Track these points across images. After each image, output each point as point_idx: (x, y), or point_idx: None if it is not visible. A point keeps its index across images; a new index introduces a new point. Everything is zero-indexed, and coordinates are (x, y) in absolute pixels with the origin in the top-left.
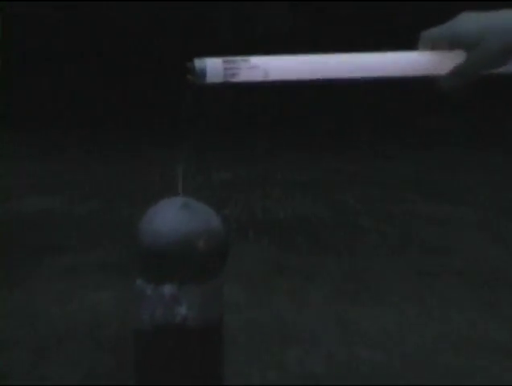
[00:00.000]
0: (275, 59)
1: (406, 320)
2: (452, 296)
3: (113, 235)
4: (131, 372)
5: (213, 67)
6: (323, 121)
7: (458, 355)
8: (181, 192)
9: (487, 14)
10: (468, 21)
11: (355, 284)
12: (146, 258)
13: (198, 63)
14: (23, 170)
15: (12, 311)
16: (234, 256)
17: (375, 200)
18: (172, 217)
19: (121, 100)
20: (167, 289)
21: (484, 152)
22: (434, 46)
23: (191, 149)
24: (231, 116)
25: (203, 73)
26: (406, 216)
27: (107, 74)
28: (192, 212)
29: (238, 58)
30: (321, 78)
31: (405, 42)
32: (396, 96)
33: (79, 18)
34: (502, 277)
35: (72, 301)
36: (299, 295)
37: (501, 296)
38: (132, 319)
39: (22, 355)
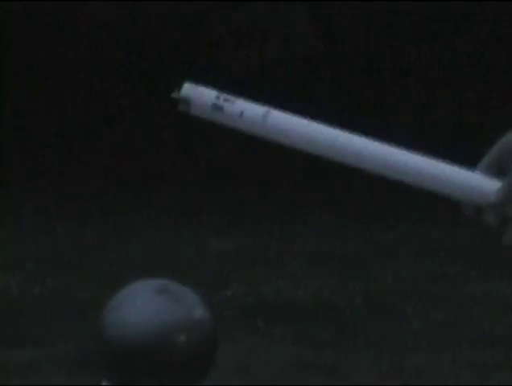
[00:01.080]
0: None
1: None
2: None
3: (81, 323)
4: None
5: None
6: (355, 176)
7: None
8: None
9: None
10: None
11: None
12: (112, 355)
13: (185, 89)
14: None
15: None
16: (239, 352)
17: (419, 278)
18: (145, 305)
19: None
20: None
21: None
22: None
23: (179, 210)
24: (231, 165)
25: (187, 102)
26: (457, 298)
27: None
28: (170, 299)
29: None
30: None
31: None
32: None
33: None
34: None
35: None
36: None
37: None
38: None
39: None
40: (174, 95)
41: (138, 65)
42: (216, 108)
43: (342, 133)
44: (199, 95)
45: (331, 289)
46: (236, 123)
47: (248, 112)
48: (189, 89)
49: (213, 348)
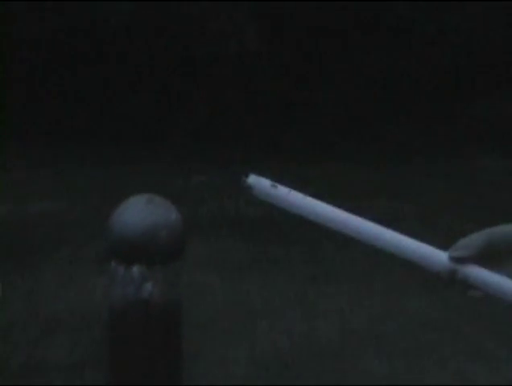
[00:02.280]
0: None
1: (357, 299)
2: (398, 279)
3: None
4: (105, 345)
5: (262, 188)
6: (293, 132)
7: (405, 333)
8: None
9: None
10: None
11: (314, 269)
12: (118, 244)
13: (252, 179)
14: (26, 178)
15: (19, 297)
16: (211, 250)
17: (337, 199)
18: (139, 211)
19: (111, 114)
20: (136, 269)
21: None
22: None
23: (173, 153)
24: (207, 126)
25: (249, 190)
26: (360, 212)
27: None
28: (155, 207)
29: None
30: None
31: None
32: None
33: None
34: None
35: (72, 287)
36: (266, 279)
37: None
38: (109, 297)
39: (23, 337)
40: (242, 182)
41: None
42: (273, 186)
43: (354, 218)
44: (261, 180)
45: (274, 208)
46: (286, 197)
47: (294, 192)
48: (254, 178)
49: (183, 240)
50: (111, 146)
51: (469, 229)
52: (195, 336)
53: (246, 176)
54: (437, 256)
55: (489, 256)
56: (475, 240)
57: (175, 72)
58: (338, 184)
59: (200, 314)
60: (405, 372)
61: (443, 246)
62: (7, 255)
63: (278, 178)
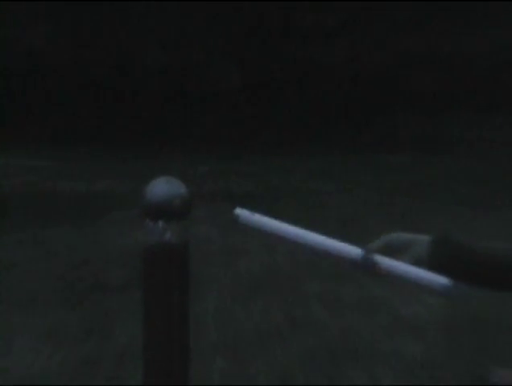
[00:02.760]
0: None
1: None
2: (333, 230)
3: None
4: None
5: (245, 217)
6: (266, 133)
7: (331, 263)
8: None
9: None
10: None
11: None
12: (149, 208)
13: (238, 211)
14: (89, 165)
15: (85, 243)
16: (209, 212)
17: (298, 181)
18: (161, 186)
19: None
20: (161, 223)
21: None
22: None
23: (185, 151)
24: (209, 133)
25: (237, 218)
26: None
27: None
28: (172, 184)
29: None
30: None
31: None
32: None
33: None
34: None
35: (121, 236)
36: (246, 232)
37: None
38: (144, 241)
39: (89, 267)
40: (232, 215)
41: None
42: (253, 214)
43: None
44: (243, 211)
45: (252, 186)
46: (263, 220)
47: (269, 217)
48: (239, 210)
49: (190, 205)
50: (145, 146)
51: (375, 196)
52: (198, 267)
53: (234, 209)
54: (355, 250)
55: (390, 251)
56: (381, 240)
57: (187, 101)
58: (292, 171)
59: (201, 253)
60: (333, 289)
61: (355, 204)
62: (77, 216)
63: (260, 167)
